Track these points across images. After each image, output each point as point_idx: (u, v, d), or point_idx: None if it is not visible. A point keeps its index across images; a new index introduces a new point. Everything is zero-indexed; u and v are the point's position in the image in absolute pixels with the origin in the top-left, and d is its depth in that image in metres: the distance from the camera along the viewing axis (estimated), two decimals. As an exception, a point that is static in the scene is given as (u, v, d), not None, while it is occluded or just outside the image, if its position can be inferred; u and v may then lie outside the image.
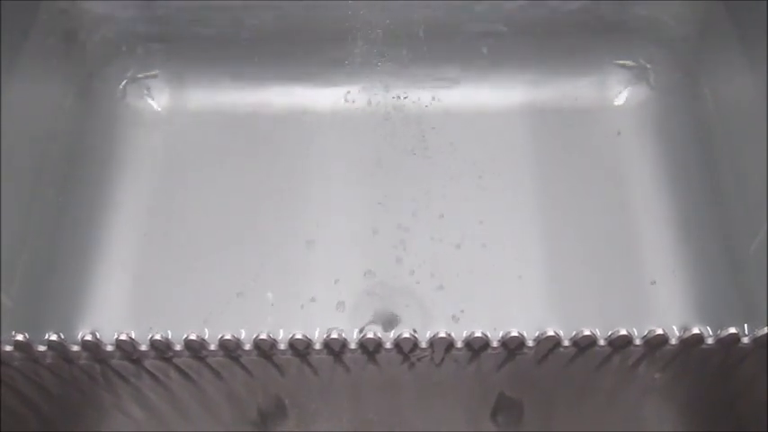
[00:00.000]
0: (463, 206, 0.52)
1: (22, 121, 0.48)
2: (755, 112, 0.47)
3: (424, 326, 0.48)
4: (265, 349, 0.34)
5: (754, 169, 0.46)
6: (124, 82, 0.56)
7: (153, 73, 0.56)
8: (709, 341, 0.33)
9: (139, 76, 0.56)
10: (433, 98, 0.56)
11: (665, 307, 0.48)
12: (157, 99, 0.56)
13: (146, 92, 0.56)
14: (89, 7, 0.54)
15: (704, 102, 0.53)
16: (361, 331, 0.47)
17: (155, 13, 0.54)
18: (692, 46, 0.54)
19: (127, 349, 0.34)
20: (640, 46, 0.55)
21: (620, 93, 0.56)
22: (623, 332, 0.33)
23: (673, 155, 0.53)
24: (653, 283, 0.48)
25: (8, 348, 0.33)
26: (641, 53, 0.55)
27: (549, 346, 0.34)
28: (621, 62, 0.55)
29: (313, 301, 0.48)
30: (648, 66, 0.55)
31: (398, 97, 0.56)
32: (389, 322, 0.48)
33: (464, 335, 0.34)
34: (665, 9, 0.54)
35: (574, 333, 0.33)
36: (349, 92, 0.56)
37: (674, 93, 0.55)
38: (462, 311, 0.48)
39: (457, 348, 0.34)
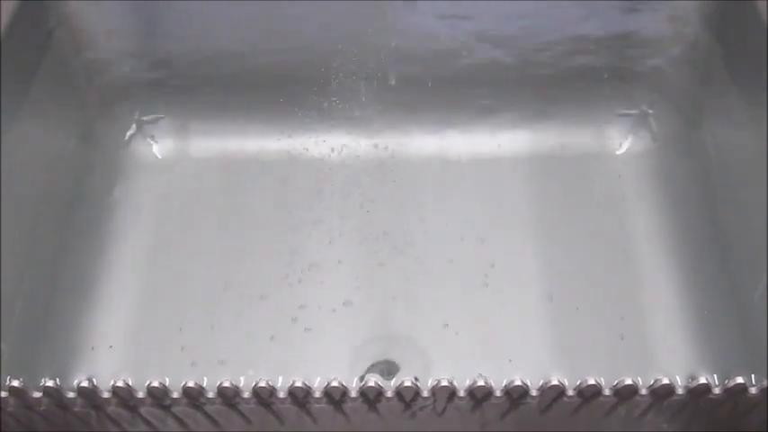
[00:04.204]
0: (464, 254, 0.52)
1: (24, 166, 0.48)
2: (756, 159, 0.47)
3: (425, 374, 0.47)
4: (264, 397, 0.33)
5: (756, 216, 0.46)
6: (130, 130, 0.56)
7: (157, 118, 0.57)
8: (717, 391, 0.33)
9: (145, 119, 0.56)
10: (434, 145, 0.57)
11: (668, 354, 0.47)
12: (160, 146, 0.57)
13: (149, 139, 0.57)
14: (94, 54, 0.54)
15: (705, 149, 0.53)
16: (361, 379, 0.46)
17: (158, 59, 0.55)
18: (693, 94, 0.54)
19: (123, 396, 0.33)
20: (642, 94, 0.56)
21: (622, 140, 0.56)
22: (629, 381, 0.32)
23: (674, 202, 0.53)
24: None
25: (3, 394, 0.33)
26: (643, 100, 0.56)
27: (554, 395, 0.33)
28: (623, 112, 0.56)
29: (312, 342, 0.48)
30: (650, 112, 0.56)
31: (398, 145, 0.57)
32: (389, 370, 0.47)
33: (467, 383, 0.33)
34: (665, 58, 0.54)
35: (578, 382, 0.33)
36: (350, 137, 0.57)
37: (676, 140, 0.55)
38: (464, 359, 0.47)
39: (459, 397, 0.33)
